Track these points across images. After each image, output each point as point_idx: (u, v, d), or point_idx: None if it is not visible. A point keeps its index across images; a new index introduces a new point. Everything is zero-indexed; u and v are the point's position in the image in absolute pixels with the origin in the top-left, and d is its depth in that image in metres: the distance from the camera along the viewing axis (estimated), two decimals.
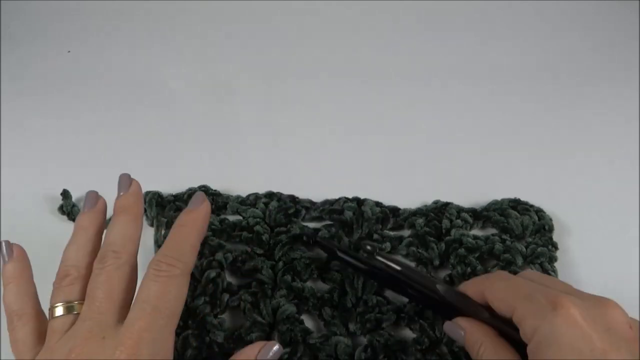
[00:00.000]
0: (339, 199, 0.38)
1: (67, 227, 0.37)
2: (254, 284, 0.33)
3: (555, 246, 0.35)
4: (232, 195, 0.38)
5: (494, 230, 0.37)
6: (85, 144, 0.42)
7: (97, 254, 0.27)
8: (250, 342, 0.30)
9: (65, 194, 0.38)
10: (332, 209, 0.37)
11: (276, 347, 0.27)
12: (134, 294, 0.27)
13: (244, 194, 0.38)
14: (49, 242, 0.32)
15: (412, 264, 0.35)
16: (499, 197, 0.38)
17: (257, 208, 0.37)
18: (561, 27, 0.52)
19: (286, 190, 0.38)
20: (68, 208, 0.37)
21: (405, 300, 0.32)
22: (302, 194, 0.38)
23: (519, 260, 0.34)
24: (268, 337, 0.31)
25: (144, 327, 0.24)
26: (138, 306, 0.25)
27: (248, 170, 0.41)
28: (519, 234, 0.36)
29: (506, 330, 0.26)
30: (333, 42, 0.51)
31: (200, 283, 0.32)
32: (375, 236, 0.35)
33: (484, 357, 0.26)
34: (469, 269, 0.33)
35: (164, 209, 0.37)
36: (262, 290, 0.32)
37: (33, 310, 0.27)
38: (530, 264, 0.34)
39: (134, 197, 0.29)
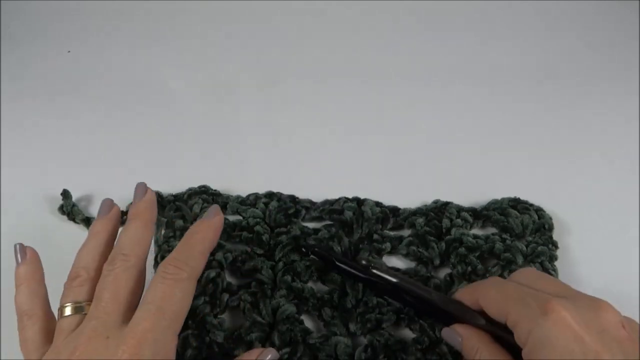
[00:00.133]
0: (339, 199, 0.38)
1: (67, 227, 0.37)
2: (253, 284, 0.33)
3: (555, 245, 0.35)
4: (232, 195, 0.38)
5: (494, 230, 0.37)
6: (85, 144, 0.42)
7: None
8: (250, 342, 0.30)
9: (65, 194, 0.38)
10: (332, 209, 0.37)
11: (273, 353, 0.28)
12: (141, 296, 0.27)
13: (244, 194, 0.38)
14: (49, 242, 0.32)
15: (412, 265, 0.35)
16: (498, 197, 0.38)
17: (257, 208, 0.37)
18: (561, 27, 0.52)
19: (286, 190, 0.38)
20: (68, 208, 0.37)
21: None
22: (302, 194, 0.38)
23: (520, 259, 0.34)
24: (268, 337, 0.31)
25: (147, 328, 0.24)
26: (143, 307, 0.25)
27: (248, 170, 0.41)
28: (519, 233, 0.36)
29: (502, 335, 0.27)
30: (333, 42, 0.51)
31: (200, 283, 0.32)
32: (375, 236, 0.35)
33: None
34: (469, 268, 0.33)
35: (164, 209, 0.37)
36: (261, 291, 0.32)
37: (42, 311, 0.28)
38: (530, 262, 0.34)
39: (147, 204, 0.30)
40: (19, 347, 0.27)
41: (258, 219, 0.36)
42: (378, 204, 0.37)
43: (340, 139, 0.43)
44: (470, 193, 0.38)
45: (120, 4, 0.53)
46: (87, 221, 0.36)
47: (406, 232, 0.36)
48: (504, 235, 0.35)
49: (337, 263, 0.33)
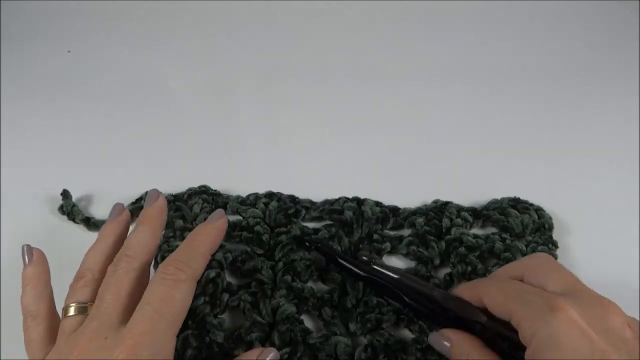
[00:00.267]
0: (339, 199, 0.38)
1: (67, 227, 0.37)
2: (253, 284, 0.33)
3: (555, 245, 0.35)
4: (232, 195, 0.38)
5: (494, 229, 0.37)
6: (85, 144, 0.42)
7: None
8: (250, 342, 0.30)
9: (65, 194, 0.38)
10: (332, 209, 0.37)
11: (273, 353, 0.28)
12: None
13: (244, 194, 0.38)
14: (49, 242, 0.32)
15: (412, 264, 0.35)
16: (498, 197, 0.38)
17: (257, 208, 0.37)
18: (561, 27, 0.52)
19: (286, 190, 0.38)
20: (68, 208, 0.37)
21: None
22: (302, 194, 0.38)
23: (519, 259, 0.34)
24: (268, 337, 0.31)
25: (145, 329, 0.24)
26: (142, 308, 0.25)
27: (248, 170, 0.41)
28: (519, 233, 0.36)
29: (504, 332, 0.26)
30: (333, 42, 0.51)
31: (200, 283, 0.32)
32: (375, 236, 0.35)
33: None
34: (469, 268, 0.33)
35: None
36: (261, 290, 0.32)
37: (47, 312, 0.28)
38: None
39: (157, 209, 0.30)
40: (19, 347, 0.27)
41: (258, 219, 0.36)
42: (378, 203, 0.37)
43: (340, 139, 0.43)
44: (470, 193, 0.38)
45: (120, 4, 0.53)
46: (87, 221, 0.36)
47: (406, 232, 0.36)
48: (504, 235, 0.35)
49: (339, 260, 0.33)
